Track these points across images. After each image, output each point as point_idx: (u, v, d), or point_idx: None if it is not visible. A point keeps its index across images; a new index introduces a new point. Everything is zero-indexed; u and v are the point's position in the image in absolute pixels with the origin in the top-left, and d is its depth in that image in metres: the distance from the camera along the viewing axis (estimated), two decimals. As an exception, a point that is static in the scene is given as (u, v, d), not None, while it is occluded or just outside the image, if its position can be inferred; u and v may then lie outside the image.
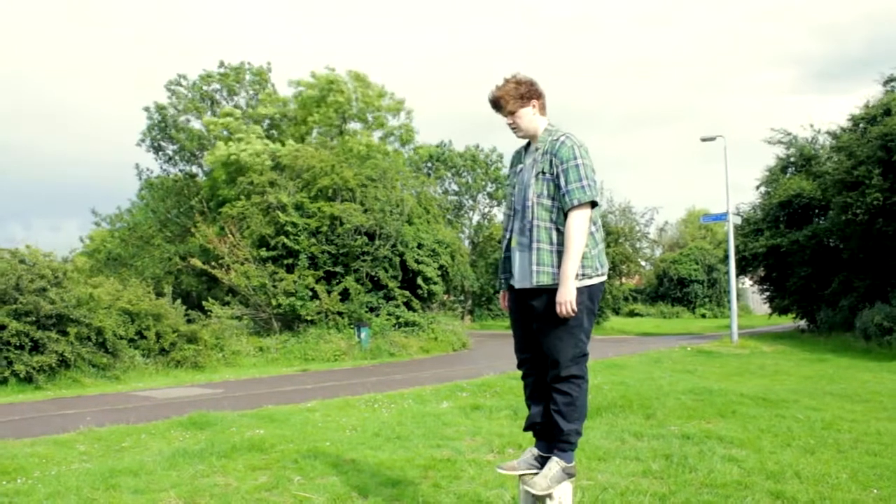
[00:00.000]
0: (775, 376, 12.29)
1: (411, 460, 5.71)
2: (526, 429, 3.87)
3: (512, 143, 3.90)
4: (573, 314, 3.41)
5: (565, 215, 3.47)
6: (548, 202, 3.51)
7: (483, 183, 41.78)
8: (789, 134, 27.40)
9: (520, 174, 3.73)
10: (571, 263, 3.40)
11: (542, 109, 3.68)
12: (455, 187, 42.74)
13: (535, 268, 3.49)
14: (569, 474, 3.59)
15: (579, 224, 3.42)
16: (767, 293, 28.54)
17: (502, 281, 3.88)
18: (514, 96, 3.61)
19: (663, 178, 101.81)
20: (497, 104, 3.67)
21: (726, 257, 24.50)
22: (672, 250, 54.61)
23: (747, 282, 35.16)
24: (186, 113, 31.42)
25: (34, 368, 13.37)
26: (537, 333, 3.59)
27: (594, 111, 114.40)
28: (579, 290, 3.48)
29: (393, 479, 5.18)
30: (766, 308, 30.67)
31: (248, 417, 8.25)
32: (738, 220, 25.01)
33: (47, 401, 11.79)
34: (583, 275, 3.50)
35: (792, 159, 27.30)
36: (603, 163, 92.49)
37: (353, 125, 29.82)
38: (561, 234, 3.49)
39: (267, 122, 30.83)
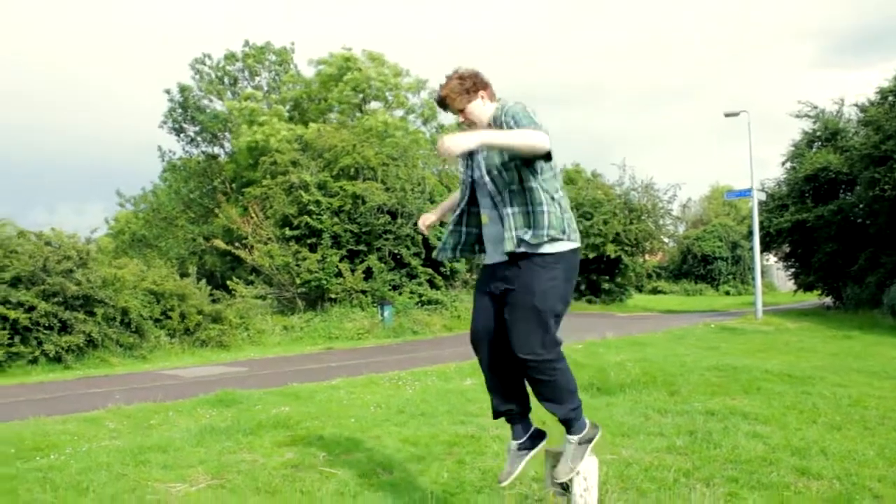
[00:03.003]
0: (800, 353, 12.20)
1: (436, 437, 5.75)
2: (495, 416, 3.68)
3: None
4: (448, 148, 3.08)
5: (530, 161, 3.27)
6: (512, 163, 3.30)
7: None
8: (816, 107, 26.99)
9: (476, 157, 3.50)
10: (497, 134, 3.20)
11: (492, 97, 3.52)
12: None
13: (512, 233, 3.27)
14: (587, 440, 3.45)
15: (529, 131, 3.18)
16: (792, 270, 28.22)
17: (448, 252, 3.65)
18: (459, 93, 3.45)
19: (686, 154, 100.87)
20: (444, 104, 3.52)
21: (750, 233, 24.25)
22: (695, 227, 54.14)
23: (772, 258, 34.78)
24: (209, 94, 31.58)
25: (63, 348, 13.58)
26: (504, 313, 3.35)
27: (616, 89, 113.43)
28: (550, 256, 3.30)
29: (418, 455, 5.23)
30: (790, 285, 30.34)
31: (274, 395, 8.35)
32: (763, 196, 24.74)
33: (76, 380, 11.98)
34: (547, 236, 3.27)
35: (818, 133, 26.87)
36: (625, 140, 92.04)
37: (374, 104, 29.82)
38: (536, 192, 3.29)
39: (290, 104, 30.91)
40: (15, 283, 13.72)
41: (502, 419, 3.68)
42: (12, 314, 13.18)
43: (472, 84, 3.46)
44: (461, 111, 3.49)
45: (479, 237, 3.60)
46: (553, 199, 3.34)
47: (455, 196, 3.90)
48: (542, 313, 3.28)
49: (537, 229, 3.27)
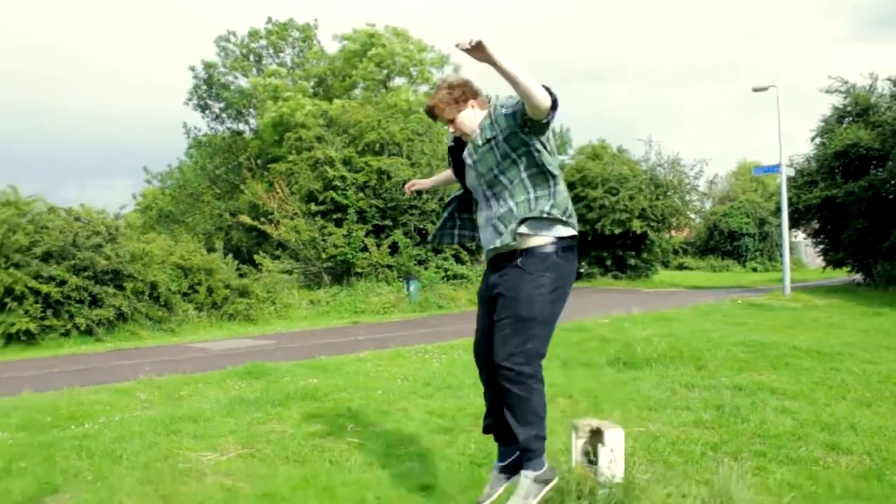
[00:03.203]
0: (829, 329, 12.07)
1: (462, 409, 5.79)
2: (484, 431, 3.65)
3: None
4: (470, 40, 2.81)
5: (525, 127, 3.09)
6: (509, 160, 3.17)
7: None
8: (846, 82, 26.50)
9: (466, 163, 3.36)
10: (513, 63, 2.87)
11: (482, 106, 3.33)
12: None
13: (513, 225, 3.14)
14: (544, 481, 3.27)
15: (537, 82, 2.92)
16: (821, 246, 27.88)
17: (437, 237, 3.63)
18: (448, 103, 3.30)
19: (713, 130, 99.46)
20: (433, 114, 3.38)
21: (778, 210, 23.96)
22: (722, 203, 53.59)
23: (800, 235, 34.38)
24: (234, 71, 31.66)
25: (94, 321, 13.82)
26: (494, 315, 3.26)
27: (642, 64, 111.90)
28: (540, 262, 3.17)
29: (444, 426, 5.27)
30: (818, 262, 29.97)
31: (302, 367, 8.43)
32: (791, 172, 24.42)
33: (107, 352, 12.20)
34: (548, 213, 3.16)
35: (849, 109, 26.40)
36: (651, 116, 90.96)
37: (398, 80, 29.71)
38: (537, 179, 3.18)
39: (315, 80, 30.90)
40: (46, 257, 13.96)
41: (490, 436, 3.62)
42: (44, 288, 13.42)
43: (461, 93, 3.30)
44: (451, 121, 3.34)
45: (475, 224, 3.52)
46: (556, 176, 3.23)
47: (450, 171, 3.83)
48: (526, 321, 3.16)
49: (540, 208, 3.17)
